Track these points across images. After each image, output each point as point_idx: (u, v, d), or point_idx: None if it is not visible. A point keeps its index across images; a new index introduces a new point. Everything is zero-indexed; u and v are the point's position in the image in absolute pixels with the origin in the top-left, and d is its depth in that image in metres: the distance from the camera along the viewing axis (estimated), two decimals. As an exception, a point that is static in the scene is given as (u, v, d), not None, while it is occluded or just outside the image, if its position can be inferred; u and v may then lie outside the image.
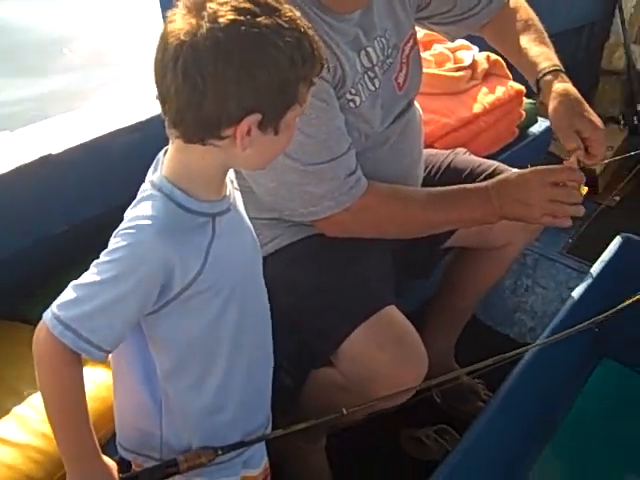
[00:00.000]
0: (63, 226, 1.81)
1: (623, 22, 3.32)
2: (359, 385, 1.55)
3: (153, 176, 1.16)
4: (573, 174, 1.60)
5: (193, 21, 1.03)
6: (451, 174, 1.98)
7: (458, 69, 2.48)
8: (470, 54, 2.54)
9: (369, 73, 1.68)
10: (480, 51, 2.59)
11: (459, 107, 2.40)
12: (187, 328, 1.19)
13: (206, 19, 1.02)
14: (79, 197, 1.83)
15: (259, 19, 1.03)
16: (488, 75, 2.57)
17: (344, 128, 1.60)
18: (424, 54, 2.44)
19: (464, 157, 2.05)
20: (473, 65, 2.51)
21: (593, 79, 3.57)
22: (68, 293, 1.08)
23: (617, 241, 2.17)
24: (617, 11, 3.40)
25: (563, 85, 1.70)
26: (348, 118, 1.63)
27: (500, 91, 2.49)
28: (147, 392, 1.24)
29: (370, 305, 1.58)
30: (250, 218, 1.58)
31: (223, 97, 1.04)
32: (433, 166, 2.01)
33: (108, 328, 1.08)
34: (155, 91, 1.09)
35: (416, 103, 1.92)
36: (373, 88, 1.69)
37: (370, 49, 1.68)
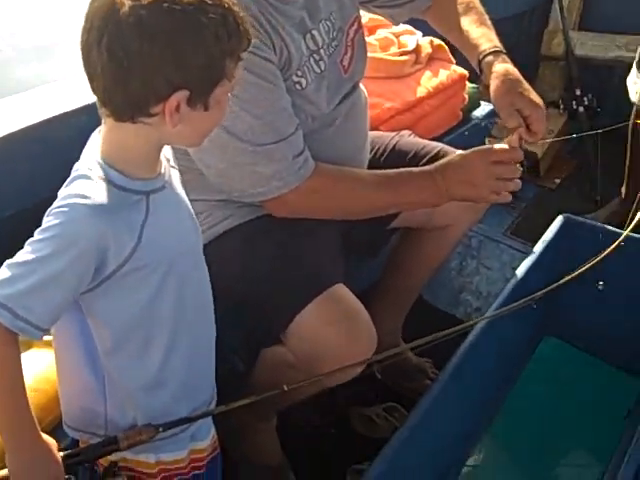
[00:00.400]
0: (10, 210, 1.80)
1: (562, 9, 3.37)
2: (309, 363, 1.57)
3: (86, 155, 1.17)
4: (515, 152, 1.66)
5: None
6: (396, 156, 2.01)
7: (402, 53, 2.49)
8: (414, 39, 2.56)
9: (315, 56, 1.70)
10: (424, 36, 2.61)
11: (404, 91, 2.42)
12: (125, 305, 1.19)
13: None
14: (25, 181, 1.82)
15: None
16: (432, 59, 2.59)
17: (291, 109, 1.62)
18: (369, 39, 2.44)
19: (409, 139, 2.08)
20: (417, 49, 2.53)
21: (534, 65, 3.62)
22: (2, 272, 1.08)
23: (558, 221, 2.22)
24: (556, -2, 3.47)
25: (504, 65, 1.74)
26: (295, 100, 1.64)
27: (444, 75, 2.51)
28: (90, 370, 1.24)
29: (319, 283, 1.60)
30: (200, 200, 1.60)
31: (149, 74, 1.06)
32: (379, 148, 2.03)
33: (44, 306, 1.08)
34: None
35: (362, 86, 1.94)
36: (319, 70, 1.70)
37: (315, 32, 1.70)
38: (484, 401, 2.07)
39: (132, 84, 1.06)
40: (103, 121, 1.16)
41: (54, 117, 1.86)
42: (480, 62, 1.80)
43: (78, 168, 1.16)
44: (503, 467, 2.07)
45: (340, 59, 1.79)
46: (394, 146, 2.04)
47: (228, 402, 1.31)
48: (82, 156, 1.19)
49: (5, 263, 1.09)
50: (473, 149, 1.71)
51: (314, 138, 1.72)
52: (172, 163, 1.30)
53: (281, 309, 1.61)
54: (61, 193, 1.13)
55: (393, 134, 2.10)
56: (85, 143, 1.23)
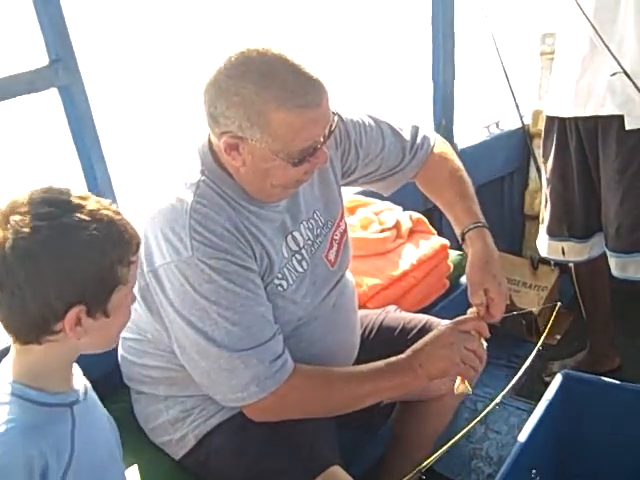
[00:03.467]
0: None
1: (538, 170, 3.50)
2: None
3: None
4: (479, 323, 1.72)
5: (0, 234, 1.12)
6: (384, 333, 2.05)
7: (383, 230, 2.57)
8: (393, 215, 2.65)
9: (296, 256, 1.75)
10: (404, 210, 2.71)
11: (387, 266, 2.48)
12: None
13: (11, 230, 1.12)
14: None
15: (61, 220, 1.13)
16: (413, 233, 2.67)
17: (269, 316, 1.64)
18: (349, 219, 2.54)
19: (395, 315, 2.12)
20: (397, 225, 2.61)
21: (520, 223, 3.71)
22: None
23: (558, 379, 2.23)
24: (532, 160, 3.60)
25: (482, 244, 1.83)
26: (277, 302, 1.69)
27: (425, 247, 2.59)
28: None
29: (314, 467, 1.61)
30: (194, 396, 1.69)
31: (43, 297, 1.13)
32: (366, 327, 2.07)
33: None
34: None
35: (348, 272, 1.98)
36: (302, 270, 1.75)
37: (296, 233, 1.76)
38: None
39: (29, 309, 1.13)
40: (11, 345, 1.21)
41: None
42: (463, 236, 1.88)
43: None
44: None
45: (325, 254, 1.84)
46: (381, 323, 2.08)
47: None
48: None
49: None
50: (442, 325, 1.76)
51: (302, 332, 1.76)
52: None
53: None
54: None
55: (379, 311, 2.14)
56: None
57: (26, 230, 1.11)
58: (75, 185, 1.22)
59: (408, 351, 1.72)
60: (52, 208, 1.13)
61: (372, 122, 1.93)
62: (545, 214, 2.84)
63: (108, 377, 1.94)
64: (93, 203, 1.17)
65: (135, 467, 1.74)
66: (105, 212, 1.17)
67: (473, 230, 1.86)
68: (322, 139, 1.56)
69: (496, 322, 1.78)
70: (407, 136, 1.97)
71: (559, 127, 2.65)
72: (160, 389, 1.80)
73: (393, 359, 1.71)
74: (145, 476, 1.75)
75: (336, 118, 1.59)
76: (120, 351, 1.88)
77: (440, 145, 2.04)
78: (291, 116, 1.48)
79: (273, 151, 1.52)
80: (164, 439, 1.82)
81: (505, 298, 1.78)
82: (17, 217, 1.12)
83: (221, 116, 1.51)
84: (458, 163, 2.03)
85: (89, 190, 2.01)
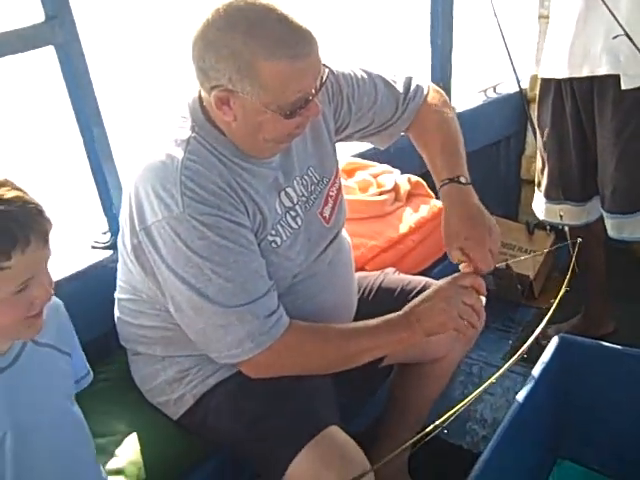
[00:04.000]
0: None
1: (535, 134, 3.48)
2: None
3: None
4: (477, 279, 1.69)
5: None
6: (383, 294, 2.05)
7: (381, 193, 2.57)
8: (391, 178, 2.64)
9: (290, 212, 1.74)
10: (402, 174, 2.70)
11: (386, 229, 2.48)
12: None
13: None
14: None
15: None
16: (411, 196, 2.67)
17: (263, 271, 1.64)
18: (348, 182, 2.55)
19: (394, 276, 2.12)
20: (395, 188, 2.61)
21: (516, 188, 3.71)
22: None
23: (554, 342, 2.23)
24: (529, 125, 3.58)
25: (447, 203, 1.81)
26: (272, 259, 1.68)
27: (424, 210, 2.59)
28: None
29: (312, 426, 1.60)
30: (191, 356, 1.68)
31: None
32: (365, 288, 2.07)
33: None
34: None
35: (344, 231, 1.98)
36: (296, 226, 1.75)
37: (289, 189, 1.75)
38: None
39: None
40: None
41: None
42: (438, 193, 1.86)
43: None
44: None
45: (320, 211, 1.83)
46: (380, 285, 2.08)
47: None
48: None
49: None
50: (440, 280, 1.75)
51: (298, 289, 1.76)
52: (47, 341, 1.38)
53: (277, 455, 1.60)
54: None
55: (378, 273, 2.14)
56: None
57: None
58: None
59: (405, 307, 1.71)
60: None
61: (365, 75, 1.90)
62: (542, 178, 2.84)
63: (104, 339, 1.95)
64: None
65: (134, 435, 1.76)
66: None
67: (447, 185, 1.83)
68: (313, 91, 1.54)
69: (489, 273, 1.75)
70: (400, 88, 1.94)
71: (555, 90, 2.63)
72: (157, 349, 1.80)
73: (390, 315, 1.71)
74: (144, 436, 1.77)
75: (327, 71, 1.57)
76: (116, 313, 1.88)
77: (432, 95, 2.00)
78: (280, 66, 1.46)
79: (264, 103, 1.50)
80: (162, 399, 1.82)
81: (483, 251, 1.73)
82: None
83: (211, 69, 1.49)
84: (448, 114, 1.98)
85: (86, 148, 2.00)
